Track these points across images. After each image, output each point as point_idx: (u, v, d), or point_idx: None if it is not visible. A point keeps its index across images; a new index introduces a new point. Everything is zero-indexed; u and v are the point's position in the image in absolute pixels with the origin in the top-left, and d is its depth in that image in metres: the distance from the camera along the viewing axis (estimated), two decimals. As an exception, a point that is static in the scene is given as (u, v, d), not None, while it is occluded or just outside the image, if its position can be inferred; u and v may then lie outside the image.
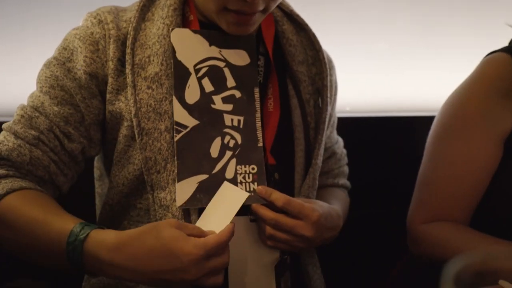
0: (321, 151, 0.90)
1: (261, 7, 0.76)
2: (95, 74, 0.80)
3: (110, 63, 0.80)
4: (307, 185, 0.87)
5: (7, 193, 0.73)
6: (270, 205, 0.79)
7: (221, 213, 0.75)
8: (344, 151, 1.10)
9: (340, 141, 1.10)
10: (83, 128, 0.82)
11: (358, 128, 1.19)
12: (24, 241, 0.71)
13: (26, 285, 0.92)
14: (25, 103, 0.82)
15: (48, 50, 0.87)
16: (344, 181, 1.07)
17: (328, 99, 0.90)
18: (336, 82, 1.01)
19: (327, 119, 0.90)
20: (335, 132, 1.07)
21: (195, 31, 0.83)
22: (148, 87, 0.79)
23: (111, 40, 0.80)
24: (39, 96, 0.81)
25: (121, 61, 0.80)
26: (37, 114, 0.79)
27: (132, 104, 0.78)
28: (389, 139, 1.35)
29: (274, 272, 0.83)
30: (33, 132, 0.78)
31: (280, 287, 0.83)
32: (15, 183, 0.74)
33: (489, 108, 0.91)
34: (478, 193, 0.93)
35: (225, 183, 0.79)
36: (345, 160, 1.09)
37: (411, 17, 1.50)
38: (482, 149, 0.91)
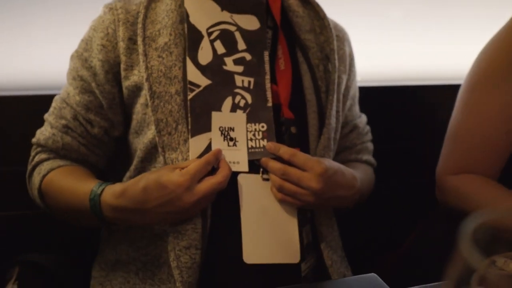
0: (334, 111, 0.92)
1: None
2: (107, 58, 0.87)
3: (121, 43, 0.86)
4: (322, 145, 0.90)
5: (48, 172, 0.88)
6: (280, 160, 0.82)
7: None
8: (368, 127, 1.10)
9: (363, 116, 1.10)
10: (103, 113, 0.90)
11: (371, 98, 1.21)
12: (63, 207, 0.87)
13: (37, 259, 0.96)
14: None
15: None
16: (368, 157, 1.07)
17: (336, 61, 0.93)
18: (352, 54, 1.03)
19: (336, 81, 0.92)
20: (357, 106, 1.07)
21: None
22: (159, 56, 0.85)
23: (120, 22, 0.86)
24: (67, 87, 0.92)
25: (133, 40, 0.86)
26: (64, 105, 0.91)
27: (144, 70, 0.83)
28: (404, 109, 1.35)
29: (296, 222, 0.84)
30: (62, 121, 0.90)
31: (302, 236, 0.85)
32: (54, 163, 0.89)
33: None
34: (509, 145, 0.93)
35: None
36: (368, 136, 1.09)
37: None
38: None
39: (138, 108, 0.87)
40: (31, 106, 1.07)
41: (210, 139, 0.83)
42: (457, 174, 0.96)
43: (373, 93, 1.29)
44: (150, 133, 0.85)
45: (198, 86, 0.85)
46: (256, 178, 0.84)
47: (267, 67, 0.88)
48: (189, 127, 0.83)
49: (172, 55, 0.85)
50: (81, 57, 0.90)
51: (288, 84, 0.89)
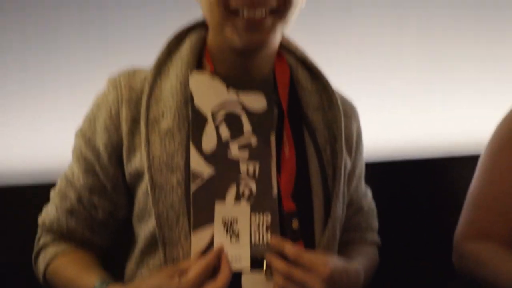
0: (340, 201, 0.89)
1: (271, 3, 0.77)
2: (110, 141, 0.84)
3: (124, 125, 0.82)
4: (327, 236, 0.86)
5: (52, 258, 0.88)
6: (285, 256, 0.79)
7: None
8: (373, 204, 1.07)
9: (369, 193, 1.07)
10: (107, 195, 0.88)
11: (376, 175, 1.18)
12: None
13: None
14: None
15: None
16: (373, 237, 1.05)
17: (343, 146, 0.89)
18: (359, 130, 0.99)
19: (343, 167, 0.89)
20: (362, 184, 1.04)
21: (213, 75, 0.84)
22: (161, 142, 0.81)
23: (123, 102, 0.83)
24: (72, 166, 0.89)
25: (135, 121, 0.83)
26: (69, 185, 0.89)
27: (146, 159, 0.80)
28: (409, 183, 1.34)
29: None
30: (67, 204, 0.88)
31: None
32: (58, 248, 0.89)
33: None
34: None
35: None
36: (374, 214, 1.07)
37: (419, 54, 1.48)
38: None
39: (140, 195, 0.84)
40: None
41: (213, 233, 0.79)
42: (477, 240, 0.97)
43: (378, 168, 1.26)
44: (151, 224, 0.82)
45: (201, 175, 0.80)
46: (260, 278, 0.80)
47: (273, 151, 0.84)
48: (191, 221, 0.78)
49: (175, 141, 0.81)
50: (84, 136, 0.87)
51: (292, 174, 0.85)
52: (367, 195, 1.06)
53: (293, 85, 0.91)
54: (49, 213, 0.90)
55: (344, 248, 0.93)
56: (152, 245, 0.82)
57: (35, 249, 0.91)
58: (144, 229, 0.84)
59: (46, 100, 1.27)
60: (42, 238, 0.91)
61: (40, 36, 1.25)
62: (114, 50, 1.30)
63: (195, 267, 0.73)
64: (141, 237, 0.85)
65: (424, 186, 1.35)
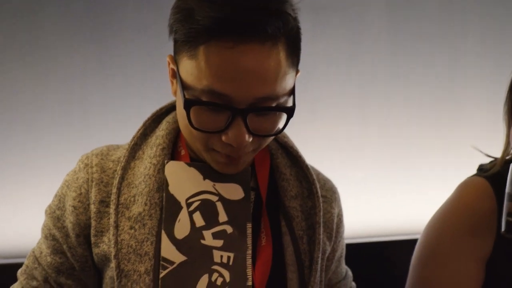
0: None
1: (248, 150, 0.77)
2: (78, 221, 0.82)
3: (92, 206, 0.81)
4: None
5: None
6: None
7: None
8: (354, 285, 1.04)
9: (349, 275, 1.03)
10: (75, 275, 0.85)
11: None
12: None
13: None
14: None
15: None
16: None
17: (320, 236, 0.87)
18: (340, 214, 0.97)
19: (319, 259, 0.86)
20: (342, 265, 1.01)
21: (189, 164, 0.84)
22: (131, 227, 0.79)
23: (93, 183, 0.82)
24: (41, 244, 0.87)
25: (104, 203, 0.82)
26: (36, 265, 0.86)
27: (113, 245, 0.78)
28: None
29: None
30: (33, 283, 0.85)
31: None
32: None
33: (464, 239, 0.94)
34: None
35: None
36: None
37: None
38: (464, 275, 0.93)
39: (107, 279, 0.81)
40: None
41: None
42: None
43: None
44: None
45: (172, 263, 0.78)
46: None
47: (249, 240, 0.82)
48: None
49: (145, 228, 0.79)
50: (53, 214, 0.85)
51: (267, 264, 0.83)
52: (346, 277, 1.02)
53: (272, 171, 0.90)
54: None
55: None
56: None
57: None
58: None
59: (26, 178, 1.28)
60: None
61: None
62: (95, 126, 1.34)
63: None
64: None
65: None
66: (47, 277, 0.84)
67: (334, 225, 0.94)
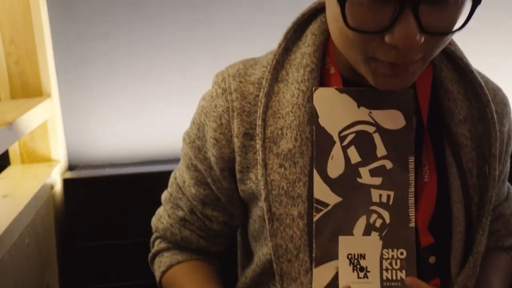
0: (485, 235, 0.75)
1: (417, 56, 0.61)
2: (221, 154, 0.75)
3: (236, 140, 0.73)
4: (466, 274, 0.74)
5: (167, 268, 0.84)
6: None
7: None
8: None
9: (511, 194, 0.90)
10: (221, 206, 0.81)
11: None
12: None
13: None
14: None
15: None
16: (511, 241, 0.90)
17: (496, 172, 0.74)
18: (511, 129, 0.81)
19: (493, 198, 0.74)
20: (506, 186, 0.88)
21: (341, 90, 0.72)
22: (280, 166, 0.71)
23: (235, 113, 0.73)
24: (182, 172, 0.83)
25: (248, 135, 0.73)
26: (180, 194, 0.83)
27: (263, 187, 0.71)
28: None
29: None
30: (179, 213, 0.83)
31: None
32: (173, 258, 0.85)
33: None
34: None
35: None
36: None
37: None
38: None
39: (255, 217, 0.77)
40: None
41: (337, 268, 0.71)
42: None
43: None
44: (267, 251, 0.74)
45: (326, 205, 0.71)
46: None
47: (411, 177, 0.72)
48: (313, 255, 0.70)
49: (296, 167, 0.71)
50: (193, 144, 0.79)
51: (431, 202, 0.73)
52: (508, 197, 0.89)
53: (435, 88, 0.75)
54: (161, 219, 0.86)
55: None
56: (267, 272, 0.76)
57: (151, 250, 0.89)
58: (260, 252, 0.77)
59: (154, 95, 1.26)
60: (156, 242, 0.88)
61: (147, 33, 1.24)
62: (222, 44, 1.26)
63: None
64: (257, 257, 0.78)
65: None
66: (193, 208, 0.82)
67: (504, 144, 0.80)
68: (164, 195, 0.88)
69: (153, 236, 0.89)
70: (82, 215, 1.18)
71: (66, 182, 1.18)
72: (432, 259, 0.73)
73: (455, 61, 0.75)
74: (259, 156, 0.71)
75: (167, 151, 1.28)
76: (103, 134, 1.27)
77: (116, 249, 1.18)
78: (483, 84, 0.74)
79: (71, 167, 1.28)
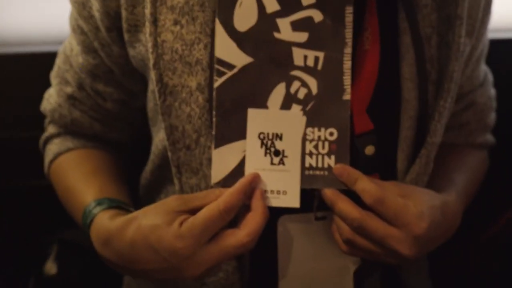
0: (443, 122, 0.60)
1: None
2: (106, 9, 0.60)
3: None
4: (416, 171, 0.60)
5: (55, 157, 0.72)
6: (352, 195, 0.53)
7: None
8: (493, 93, 0.77)
9: (488, 80, 0.76)
10: (115, 82, 0.67)
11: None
12: (65, 206, 0.71)
13: (77, 237, 0.84)
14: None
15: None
16: (484, 137, 0.76)
17: (461, 39, 0.58)
18: None
19: (455, 72, 0.58)
20: (481, 66, 0.74)
21: None
22: (176, 22, 0.56)
23: None
24: (71, 38, 0.69)
25: None
26: (67, 66, 0.69)
27: (151, 49, 0.56)
28: None
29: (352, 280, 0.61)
30: (68, 90, 0.70)
31: None
32: (62, 145, 0.72)
33: None
34: None
35: None
36: (491, 108, 0.77)
37: None
38: None
39: (149, 93, 0.63)
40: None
41: (245, 151, 0.55)
42: None
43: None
44: (163, 136, 0.60)
45: (231, 66, 0.55)
46: (310, 225, 0.57)
47: (348, 34, 0.55)
48: (213, 133, 0.55)
49: (195, 23, 0.55)
50: (77, 0, 0.64)
51: (372, 77, 0.57)
52: (485, 83, 0.75)
53: None
54: (50, 100, 0.72)
55: (441, 153, 0.65)
56: (166, 163, 0.61)
57: (42, 136, 0.76)
58: (157, 138, 0.64)
59: None
60: (48, 127, 0.75)
61: None
62: None
63: (207, 208, 0.50)
64: (154, 145, 0.66)
65: None
66: (81, 82, 0.68)
67: (480, 11, 0.64)
68: (52, 71, 0.73)
69: (46, 120, 0.76)
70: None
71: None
72: (369, 150, 0.58)
73: None
74: (147, 9, 0.56)
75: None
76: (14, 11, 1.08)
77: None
78: None
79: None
